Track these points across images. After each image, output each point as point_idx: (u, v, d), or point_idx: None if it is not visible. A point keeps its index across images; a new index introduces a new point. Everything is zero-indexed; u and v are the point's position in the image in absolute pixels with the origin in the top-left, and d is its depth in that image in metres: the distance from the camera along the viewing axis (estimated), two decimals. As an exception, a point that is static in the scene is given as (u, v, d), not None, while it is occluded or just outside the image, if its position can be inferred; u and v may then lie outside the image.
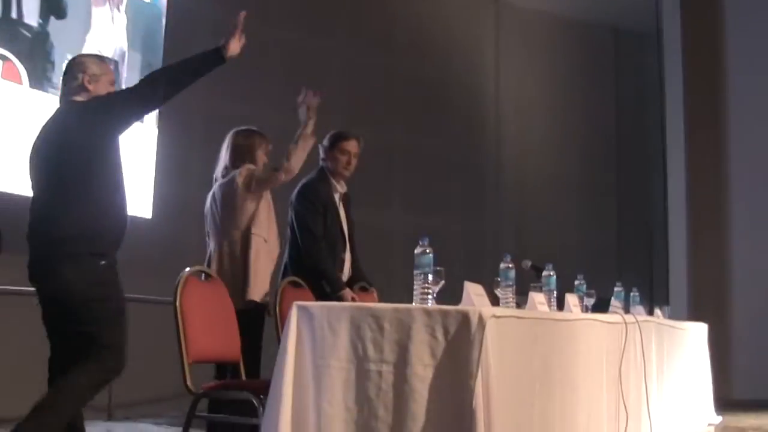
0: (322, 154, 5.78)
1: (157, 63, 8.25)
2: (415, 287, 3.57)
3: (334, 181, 5.76)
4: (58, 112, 4.33)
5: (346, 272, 5.80)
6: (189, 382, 3.97)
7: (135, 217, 7.86)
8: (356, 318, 3.39)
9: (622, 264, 12.87)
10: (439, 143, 11.58)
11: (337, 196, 5.77)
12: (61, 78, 4.44)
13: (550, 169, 12.82)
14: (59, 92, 4.47)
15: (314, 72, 9.85)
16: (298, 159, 5.30)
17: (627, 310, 5.87)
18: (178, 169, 8.61)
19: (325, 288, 5.45)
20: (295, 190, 5.74)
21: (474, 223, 12.12)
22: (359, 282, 5.86)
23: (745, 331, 11.40)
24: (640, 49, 13.72)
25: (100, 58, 4.56)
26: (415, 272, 3.58)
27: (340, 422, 3.35)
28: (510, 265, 4.27)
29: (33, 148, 4.30)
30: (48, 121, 4.33)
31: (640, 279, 9.50)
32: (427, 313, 3.30)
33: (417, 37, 11.62)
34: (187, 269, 4.20)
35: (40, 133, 4.31)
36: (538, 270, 5.25)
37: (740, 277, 11.82)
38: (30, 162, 4.30)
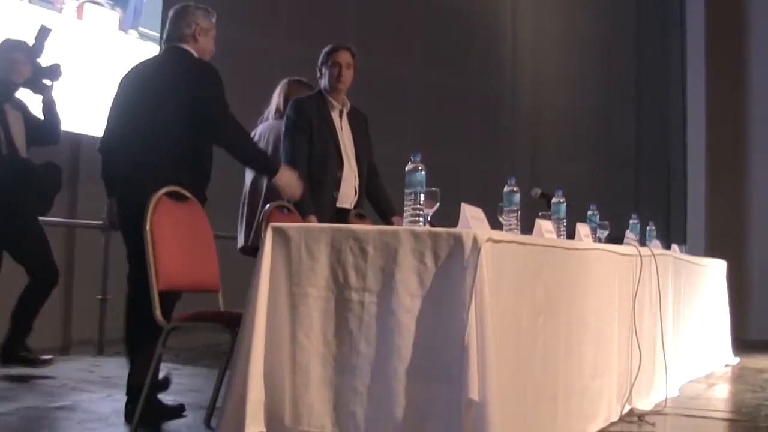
0: (318, 72, 5.38)
1: None
2: (405, 208, 3.19)
3: (330, 98, 5.33)
4: (168, 54, 4.46)
5: (348, 193, 5.37)
6: (158, 313, 3.62)
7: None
8: (337, 241, 3.03)
9: (639, 202, 12.56)
10: (454, 78, 11.19)
11: (335, 113, 5.34)
12: (169, 23, 4.50)
13: (566, 106, 12.43)
14: (164, 35, 4.57)
15: (325, 4, 9.46)
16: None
17: (643, 244, 5.54)
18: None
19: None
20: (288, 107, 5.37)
21: (489, 159, 11.74)
22: (391, 212, 5.46)
23: (762, 272, 11.20)
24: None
25: (208, 11, 4.58)
26: (406, 191, 3.20)
27: (318, 357, 3.01)
28: (515, 189, 3.88)
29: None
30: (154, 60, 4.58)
31: (657, 217, 9.14)
32: (416, 235, 2.92)
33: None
34: (162, 190, 3.83)
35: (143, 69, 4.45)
36: (548, 198, 4.89)
37: (758, 218, 11.67)
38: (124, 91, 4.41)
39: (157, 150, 4.19)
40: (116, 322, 6.66)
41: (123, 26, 7.33)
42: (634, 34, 13.37)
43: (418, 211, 3.16)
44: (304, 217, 4.88)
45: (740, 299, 9.46)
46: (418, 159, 3.20)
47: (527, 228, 4.04)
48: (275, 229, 3.12)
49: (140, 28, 7.45)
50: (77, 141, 6.90)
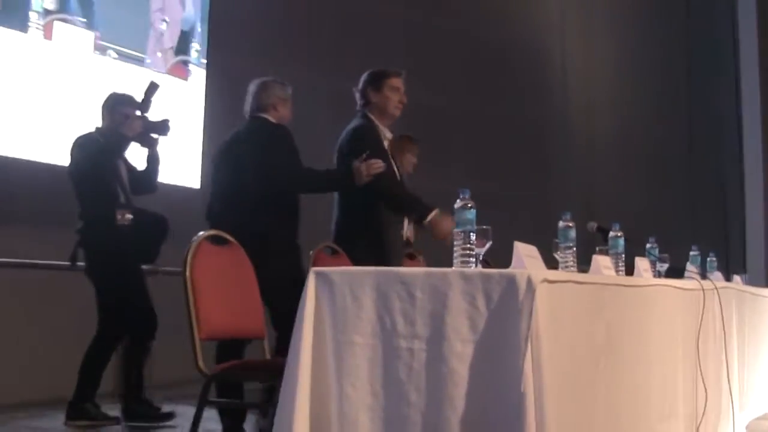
0: (364, 98, 5.19)
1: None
2: (455, 248, 3.01)
3: (382, 126, 5.19)
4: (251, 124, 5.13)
5: (405, 227, 5.27)
6: (201, 363, 3.48)
7: (182, 188, 7.55)
8: (383, 285, 2.85)
9: (696, 230, 12.28)
10: (504, 106, 11.05)
11: (386, 143, 5.20)
12: (252, 94, 5.16)
13: (618, 131, 12.25)
14: (247, 106, 5.20)
15: (371, 36, 9.40)
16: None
17: (704, 277, 5.32)
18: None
19: (412, 217, 5.19)
20: (343, 139, 5.19)
21: (541, 189, 11.55)
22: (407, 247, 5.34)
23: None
24: (712, 2, 13.08)
25: (284, 84, 5.23)
26: (455, 231, 3.02)
27: (366, 409, 2.83)
28: (570, 224, 3.69)
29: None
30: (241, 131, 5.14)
31: (714, 244, 8.91)
32: (466, 277, 2.74)
33: (480, 2, 11.10)
34: (201, 233, 3.70)
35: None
36: (604, 232, 4.72)
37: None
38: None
39: (244, 208, 4.82)
40: (161, 367, 6.61)
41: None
42: (686, 57, 13.16)
43: (469, 251, 2.98)
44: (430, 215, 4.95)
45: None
46: (467, 196, 3.03)
47: (584, 261, 3.87)
48: (318, 274, 2.97)
49: (120, 48, 7.22)
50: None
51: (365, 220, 4.99)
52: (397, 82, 5.17)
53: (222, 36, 8.03)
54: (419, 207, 4.96)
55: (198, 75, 7.80)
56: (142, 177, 5.69)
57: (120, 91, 5.76)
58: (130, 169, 5.69)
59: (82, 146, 5.53)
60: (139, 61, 7.32)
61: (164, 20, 7.58)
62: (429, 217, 4.89)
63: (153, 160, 5.63)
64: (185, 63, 7.79)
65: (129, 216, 5.39)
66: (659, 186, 12.35)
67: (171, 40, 7.69)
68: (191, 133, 7.77)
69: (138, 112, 5.51)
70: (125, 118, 5.48)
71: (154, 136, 5.55)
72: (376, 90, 5.14)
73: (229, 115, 8.09)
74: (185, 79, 7.67)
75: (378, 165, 4.83)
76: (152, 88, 5.40)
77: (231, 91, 8.05)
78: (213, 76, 8.02)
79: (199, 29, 7.93)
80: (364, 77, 5.23)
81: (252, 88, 5.15)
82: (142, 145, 5.56)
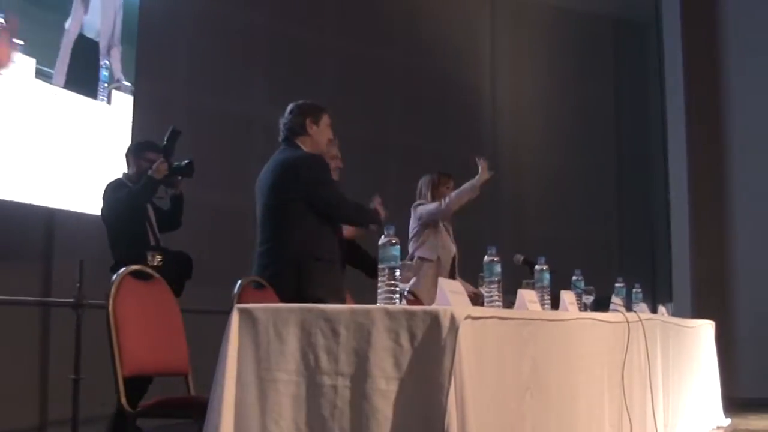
0: (300, 128, 5.06)
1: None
2: (379, 285, 3.00)
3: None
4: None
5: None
6: (123, 399, 3.43)
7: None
8: (307, 322, 2.84)
9: (623, 260, 12.43)
10: (433, 138, 11.09)
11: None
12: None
13: (548, 164, 12.36)
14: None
15: (304, 66, 9.37)
16: (456, 203, 6.84)
17: (629, 308, 5.40)
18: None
19: (371, 227, 5.13)
20: (298, 163, 4.95)
21: (469, 221, 11.58)
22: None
23: (750, 328, 11.12)
24: (640, 40, 13.32)
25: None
26: (380, 267, 3.01)
27: (291, 447, 2.80)
28: (495, 258, 3.70)
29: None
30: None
31: (641, 275, 9.01)
32: (390, 314, 2.74)
33: (410, 31, 11.14)
34: (123, 268, 3.65)
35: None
36: (531, 265, 4.74)
37: (744, 273, 11.62)
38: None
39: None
40: (91, 402, 6.50)
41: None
42: (614, 94, 13.34)
43: (393, 287, 2.97)
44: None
45: (729, 356, 9.31)
46: (391, 232, 3.02)
47: (511, 292, 3.88)
48: (241, 311, 2.94)
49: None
50: (51, 216, 6.76)
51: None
52: (328, 119, 5.14)
53: (150, 62, 7.93)
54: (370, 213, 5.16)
55: (124, 100, 7.64)
56: (168, 216, 5.79)
57: (138, 139, 6.08)
58: (156, 209, 5.77)
59: (115, 191, 5.65)
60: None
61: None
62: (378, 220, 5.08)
63: (178, 200, 5.75)
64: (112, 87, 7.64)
65: (159, 257, 5.49)
66: (587, 219, 12.47)
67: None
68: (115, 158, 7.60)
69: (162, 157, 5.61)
70: (151, 163, 5.54)
71: (179, 177, 5.67)
72: (316, 123, 5.06)
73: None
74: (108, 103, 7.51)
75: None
76: (174, 134, 5.56)
77: (158, 118, 8.02)
78: (140, 103, 7.86)
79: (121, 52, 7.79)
80: (297, 108, 5.11)
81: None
82: (168, 187, 5.69)
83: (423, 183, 7.03)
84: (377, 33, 10.76)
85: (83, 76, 6.94)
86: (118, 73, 7.30)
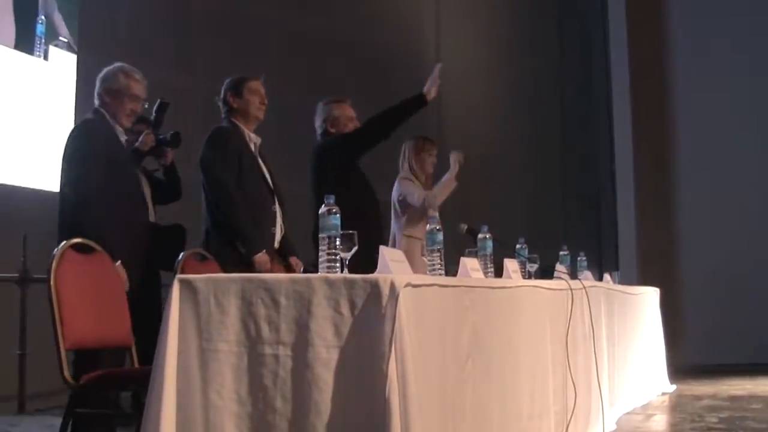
0: (226, 105, 5.23)
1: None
2: (320, 254, 3.01)
3: (246, 130, 5.18)
4: None
5: (279, 229, 5.21)
6: (66, 373, 3.41)
7: (48, 192, 7.34)
8: (247, 292, 2.84)
9: (569, 230, 12.51)
10: (375, 111, 11.06)
11: (252, 146, 5.19)
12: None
13: (493, 133, 12.37)
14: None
15: (246, 38, 9.30)
16: (441, 198, 6.56)
17: (574, 276, 5.43)
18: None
19: (240, 249, 4.89)
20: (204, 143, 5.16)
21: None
22: (290, 251, 5.31)
23: (695, 295, 11.25)
24: (584, 8, 13.36)
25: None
26: (320, 236, 3.02)
27: (232, 416, 2.81)
28: (437, 227, 3.72)
29: None
30: None
31: (588, 245, 9.09)
32: (330, 283, 2.74)
33: (352, 3, 11.08)
34: (64, 242, 3.62)
35: None
36: (475, 234, 4.75)
37: (689, 241, 11.75)
38: None
39: None
40: (36, 378, 6.46)
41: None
42: (559, 62, 13.39)
43: (333, 257, 2.98)
44: (253, 255, 4.83)
45: (673, 324, 9.44)
46: (331, 201, 3.02)
47: (457, 262, 3.90)
48: (182, 281, 2.93)
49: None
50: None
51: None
52: (256, 84, 5.22)
53: (93, 32, 7.81)
54: (250, 243, 4.91)
55: (63, 57, 7.48)
56: (166, 186, 5.61)
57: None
58: (153, 180, 5.60)
59: None
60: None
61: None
62: (252, 256, 4.87)
63: (170, 170, 5.57)
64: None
65: None
66: (533, 189, 12.54)
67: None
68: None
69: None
70: (138, 135, 5.38)
71: (167, 148, 5.52)
72: (237, 95, 5.18)
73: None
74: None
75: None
76: (162, 106, 5.45)
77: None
78: (83, 74, 7.74)
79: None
80: (224, 85, 5.27)
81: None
82: (156, 158, 5.53)
83: (406, 147, 6.84)
84: (319, 3, 10.69)
85: (19, 30, 6.80)
86: (62, 29, 7.18)
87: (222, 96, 5.23)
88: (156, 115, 5.50)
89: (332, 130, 5.88)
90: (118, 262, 4.41)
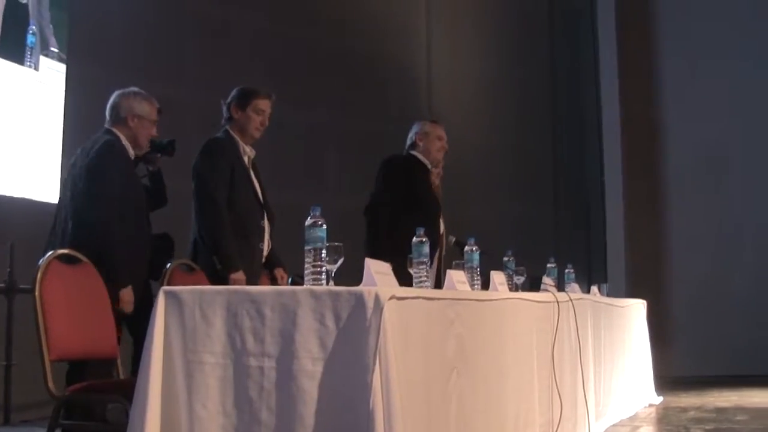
0: (227, 113, 5.13)
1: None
2: (306, 266, 3.01)
3: (242, 143, 5.10)
4: None
5: (266, 244, 5.17)
6: (51, 384, 3.40)
7: (38, 202, 7.33)
8: (233, 304, 2.84)
9: (558, 243, 12.52)
10: (367, 120, 11.07)
11: (246, 159, 5.11)
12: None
13: (482, 144, 12.36)
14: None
15: (234, 49, 9.30)
16: None
17: (561, 288, 5.45)
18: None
19: (216, 264, 4.80)
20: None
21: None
22: (276, 263, 5.26)
23: (683, 308, 11.29)
24: (574, 16, 13.40)
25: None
26: (306, 248, 3.02)
27: (217, 428, 2.82)
28: (423, 239, 3.73)
29: None
30: None
31: (577, 257, 9.12)
32: (315, 295, 2.75)
33: (343, 13, 11.09)
34: (50, 252, 3.62)
35: None
36: (462, 246, 4.75)
37: (677, 254, 11.78)
38: None
39: None
40: (22, 389, 6.43)
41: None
42: (550, 75, 13.41)
43: (319, 269, 2.99)
44: (229, 273, 4.74)
45: (661, 336, 9.47)
46: (317, 213, 3.03)
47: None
48: (167, 293, 2.94)
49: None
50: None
51: None
52: (263, 104, 5.10)
53: (83, 44, 7.80)
54: (227, 260, 4.80)
55: (54, 68, 7.47)
56: (153, 194, 5.43)
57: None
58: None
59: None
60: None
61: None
62: (229, 274, 4.75)
63: (156, 176, 5.42)
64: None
65: None
66: (523, 200, 12.54)
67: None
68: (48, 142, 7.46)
69: None
70: None
71: (158, 155, 5.39)
72: (241, 108, 5.08)
73: (88, 124, 7.93)
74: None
75: None
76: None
77: (91, 101, 7.87)
78: (72, 85, 7.71)
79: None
80: (233, 92, 5.18)
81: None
82: (146, 163, 5.39)
83: (414, 131, 6.34)
84: (306, 13, 10.68)
85: (10, 40, 6.79)
86: (50, 39, 7.17)
87: (227, 101, 5.14)
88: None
89: (420, 144, 6.22)
90: (129, 288, 4.42)
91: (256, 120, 5.09)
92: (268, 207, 5.21)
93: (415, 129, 6.25)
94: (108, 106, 4.90)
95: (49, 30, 7.17)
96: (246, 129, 5.09)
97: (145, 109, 4.92)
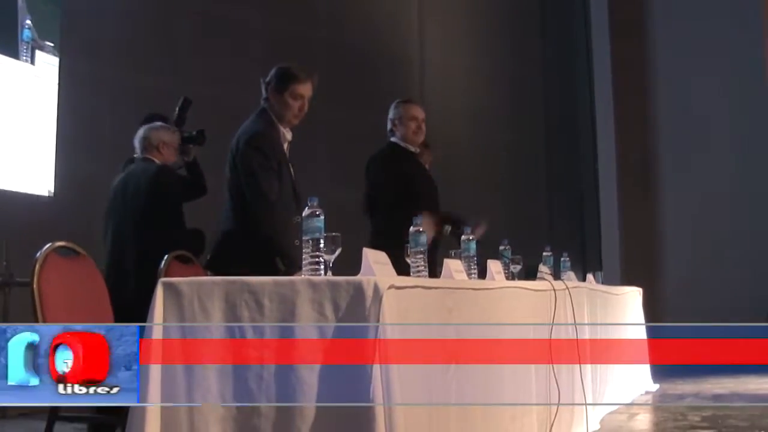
0: (265, 94, 4.75)
1: None
2: (303, 257, 3.01)
3: (283, 129, 4.75)
4: None
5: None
6: (48, 377, 3.39)
7: (32, 195, 7.32)
8: (231, 294, 2.84)
9: (553, 231, 12.54)
10: (366, 114, 11.05)
11: (286, 146, 4.78)
12: None
13: (477, 135, 12.40)
14: None
15: (229, 44, 9.29)
16: None
17: (557, 277, 5.45)
18: (84, 139, 7.80)
19: (279, 266, 4.39)
20: (240, 140, 4.65)
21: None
22: None
23: (677, 295, 11.28)
24: (566, 11, 13.40)
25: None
26: (304, 239, 3.02)
27: (217, 420, 2.81)
28: (420, 229, 3.73)
29: None
30: None
31: (572, 246, 9.13)
32: (314, 285, 2.75)
33: (335, 7, 11.09)
34: (48, 245, 3.61)
35: None
36: (458, 235, 4.75)
37: (672, 241, 11.78)
38: None
39: None
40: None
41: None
42: (542, 67, 13.42)
43: (317, 259, 2.98)
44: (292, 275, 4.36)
45: (657, 323, 9.48)
46: (315, 203, 3.03)
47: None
48: (165, 284, 2.93)
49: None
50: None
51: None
52: (302, 89, 4.75)
53: (75, 37, 7.78)
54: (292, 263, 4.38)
55: (50, 61, 7.45)
56: (191, 184, 5.68)
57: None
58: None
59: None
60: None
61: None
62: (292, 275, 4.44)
63: (193, 166, 5.68)
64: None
65: None
66: (517, 190, 12.56)
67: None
68: (42, 135, 7.43)
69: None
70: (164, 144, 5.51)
71: (191, 145, 5.66)
72: (278, 92, 4.71)
73: (84, 116, 7.92)
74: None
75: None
76: (186, 103, 5.61)
77: (84, 94, 7.86)
78: (65, 78, 7.67)
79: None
80: (271, 71, 4.82)
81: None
82: (180, 154, 5.63)
83: (389, 116, 6.07)
84: (303, 8, 10.68)
85: (5, 35, 6.78)
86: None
87: (266, 82, 4.78)
88: (179, 112, 5.63)
89: (396, 130, 5.90)
90: None
91: (294, 106, 4.73)
92: (299, 201, 4.86)
93: (390, 114, 5.94)
94: (137, 139, 5.40)
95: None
96: (283, 115, 4.73)
97: (171, 137, 5.47)
